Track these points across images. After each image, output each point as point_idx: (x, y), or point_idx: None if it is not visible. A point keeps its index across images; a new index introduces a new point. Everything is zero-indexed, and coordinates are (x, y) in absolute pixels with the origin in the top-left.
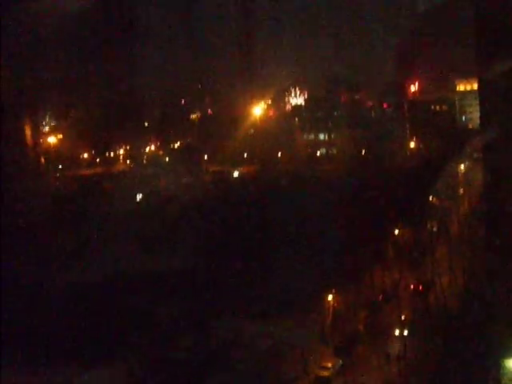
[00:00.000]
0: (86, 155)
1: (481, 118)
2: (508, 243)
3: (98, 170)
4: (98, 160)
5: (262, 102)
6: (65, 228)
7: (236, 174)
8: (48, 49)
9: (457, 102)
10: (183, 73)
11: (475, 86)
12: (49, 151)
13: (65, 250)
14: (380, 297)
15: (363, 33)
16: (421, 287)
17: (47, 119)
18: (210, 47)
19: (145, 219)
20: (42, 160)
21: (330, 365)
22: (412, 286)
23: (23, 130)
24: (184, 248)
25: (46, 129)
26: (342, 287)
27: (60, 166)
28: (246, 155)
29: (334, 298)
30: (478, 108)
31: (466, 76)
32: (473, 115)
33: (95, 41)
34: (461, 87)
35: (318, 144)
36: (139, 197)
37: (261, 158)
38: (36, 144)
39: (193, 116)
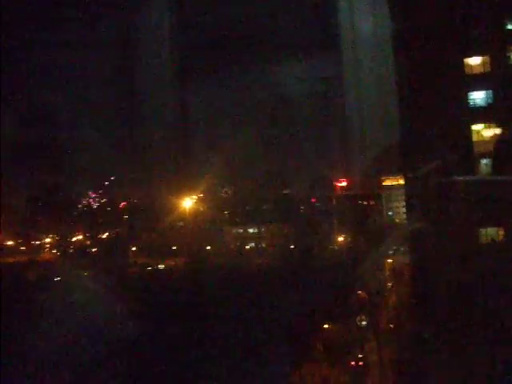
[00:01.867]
0: (10, 242)
1: (407, 212)
2: (436, 336)
3: (23, 258)
4: (23, 248)
5: (193, 195)
6: None
7: (162, 266)
8: None
9: (383, 197)
10: (116, 163)
11: (401, 182)
12: None
13: None
14: None
15: (294, 131)
16: None
17: None
18: (146, 139)
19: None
20: None
21: None
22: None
23: None
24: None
25: None
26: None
27: None
28: (174, 248)
29: None
30: (403, 203)
31: (392, 172)
32: (399, 210)
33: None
34: (387, 182)
35: (247, 237)
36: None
37: (189, 251)
38: None
39: (121, 205)
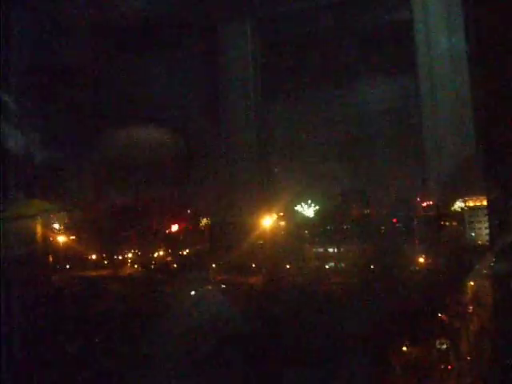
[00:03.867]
0: (94, 257)
1: (490, 234)
2: None
3: (105, 272)
4: (105, 262)
5: (273, 213)
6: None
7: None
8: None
9: (466, 218)
10: (197, 181)
11: (484, 202)
12: (58, 250)
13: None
14: None
15: (373, 150)
16: None
17: (59, 218)
18: (228, 158)
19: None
20: (50, 259)
21: None
22: None
23: (35, 227)
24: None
25: (56, 227)
26: None
27: (67, 266)
28: (254, 265)
29: None
30: (486, 224)
31: (475, 192)
32: (481, 231)
33: None
34: (470, 203)
35: (327, 256)
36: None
37: (269, 269)
38: (46, 242)
39: (203, 222)
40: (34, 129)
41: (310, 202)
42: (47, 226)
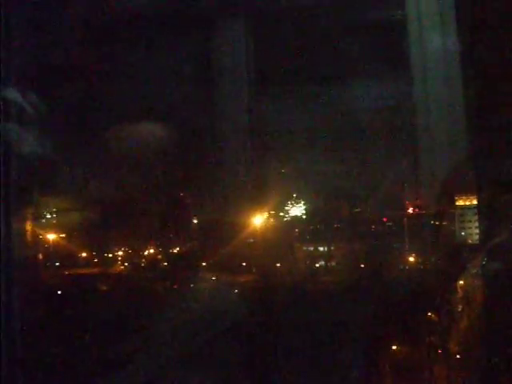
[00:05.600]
0: (84, 254)
1: (480, 233)
2: (507, 363)
3: (95, 270)
4: (95, 260)
5: (264, 212)
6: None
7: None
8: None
9: (457, 217)
10: (186, 180)
11: (474, 202)
12: (47, 248)
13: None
14: None
15: (366, 148)
16: None
17: (48, 215)
18: (219, 153)
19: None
20: (40, 256)
21: None
22: None
23: (25, 224)
24: None
25: (45, 223)
26: None
27: (57, 264)
28: (244, 264)
29: None
30: (477, 224)
31: (466, 191)
32: (472, 230)
33: None
34: (460, 202)
35: (317, 255)
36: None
37: (259, 268)
38: (35, 239)
39: (194, 221)
40: (30, 124)
41: (300, 200)
42: (37, 224)
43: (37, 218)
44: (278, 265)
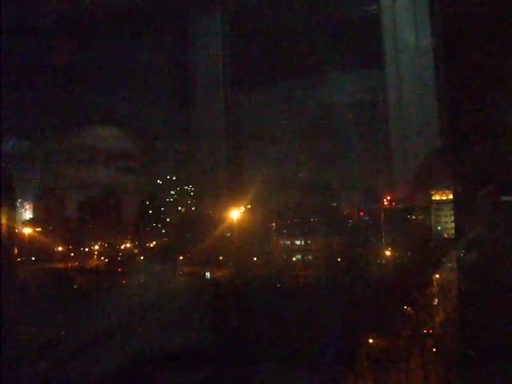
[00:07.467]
0: (60, 248)
1: (456, 227)
2: (482, 355)
3: (72, 264)
4: (72, 254)
5: (241, 206)
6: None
7: (208, 275)
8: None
9: (432, 211)
10: (163, 174)
11: (450, 196)
12: (23, 242)
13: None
14: None
15: (341, 142)
16: None
17: (24, 210)
18: (194, 149)
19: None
20: (15, 251)
21: None
22: None
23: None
24: None
25: (21, 218)
26: None
27: (33, 258)
28: (221, 258)
29: None
30: (452, 218)
31: (442, 186)
32: (448, 225)
33: None
34: (436, 196)
35: (294, 249)
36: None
37: (236, 262)
38: (11, 234)
39: (170, 216)
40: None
41: (277, 194)
42: (11, 218)
43: (13, 212)
44: (255, 259)
